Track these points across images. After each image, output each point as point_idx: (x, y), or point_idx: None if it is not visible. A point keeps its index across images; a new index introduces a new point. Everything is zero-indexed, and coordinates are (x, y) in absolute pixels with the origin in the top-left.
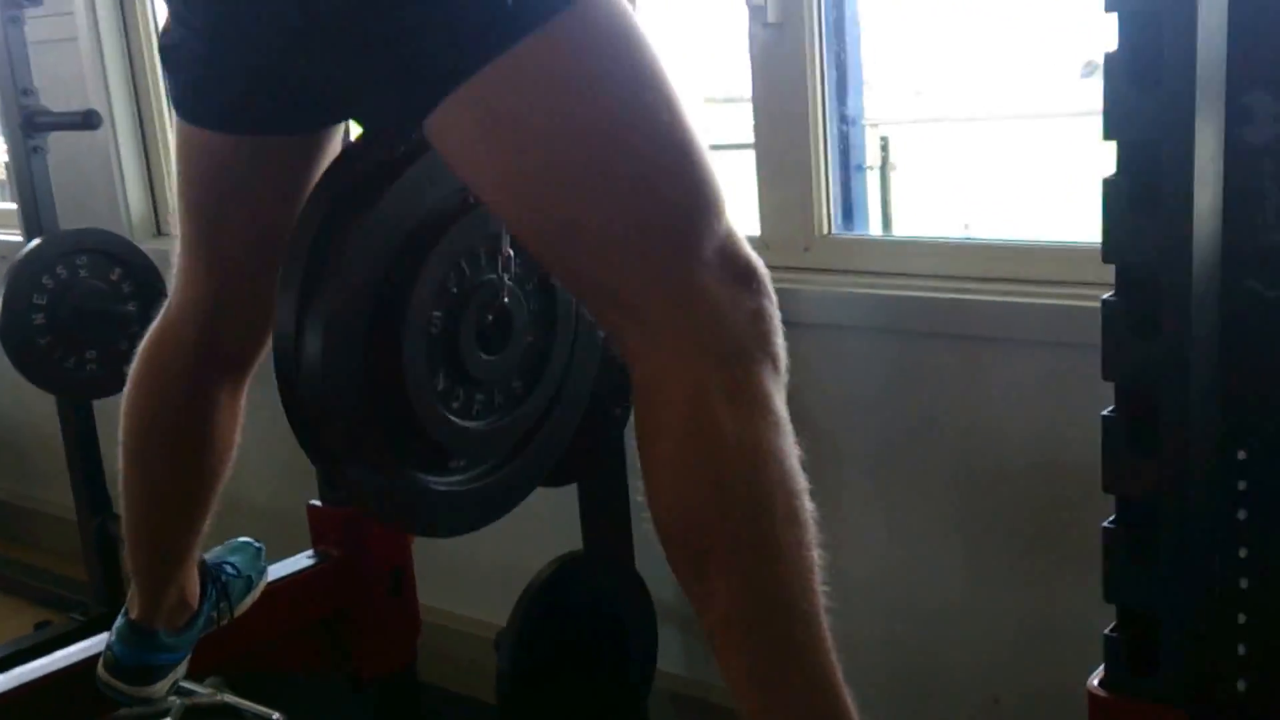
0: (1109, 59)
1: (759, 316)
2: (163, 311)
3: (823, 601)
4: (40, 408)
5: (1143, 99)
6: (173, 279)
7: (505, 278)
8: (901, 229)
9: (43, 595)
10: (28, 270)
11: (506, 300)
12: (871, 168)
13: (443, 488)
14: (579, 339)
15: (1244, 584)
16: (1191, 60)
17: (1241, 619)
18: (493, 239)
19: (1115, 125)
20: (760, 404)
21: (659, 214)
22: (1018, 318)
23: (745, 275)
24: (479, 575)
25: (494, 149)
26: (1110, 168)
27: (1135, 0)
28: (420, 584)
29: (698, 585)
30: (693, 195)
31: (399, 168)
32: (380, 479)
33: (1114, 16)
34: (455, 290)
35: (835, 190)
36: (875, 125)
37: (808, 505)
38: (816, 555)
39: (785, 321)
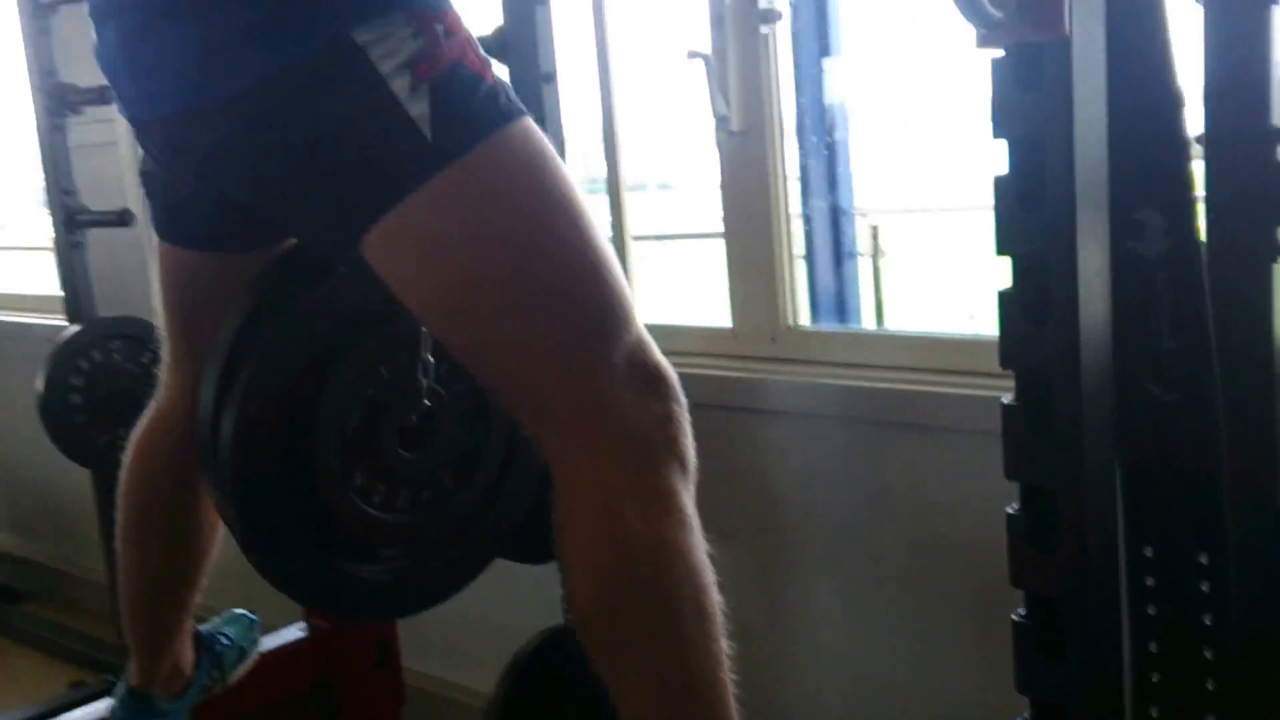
0: (998, 181)
1: (666, 420)
2: (152, 402)
3: (731, 689)
4: (76, 479)
5: (1029, 218)
6: (161, 373)
7: (424, 381)
8: (896, 318)
9: (78, 656)
10: (68, 353)
11: (426, 402)
12: (863, 255)
13: (371, 575)
14: (519, 433)
15: (1155, 678)
16: (1071, 181)
17: (1154, 712)
18: (413, 343)
19: (1006, 242)
20: (667, 503)
21: (569, 330)
22: (965, 408)
23: (653, 380)
24: (469, 641)
25: (418, 269)
26: (1005, 281)
27: (1019, 127)
28: (410, 650)
29: (612, 677)
30: (601, 311)
31: (322, 272)
32: (297, 564)
33: (1002, 142)
34: (372, 391)
35: (810, 282)
36: (865, 214)
37: (715, 598)
38: (724, 645)
39: (752, 409)
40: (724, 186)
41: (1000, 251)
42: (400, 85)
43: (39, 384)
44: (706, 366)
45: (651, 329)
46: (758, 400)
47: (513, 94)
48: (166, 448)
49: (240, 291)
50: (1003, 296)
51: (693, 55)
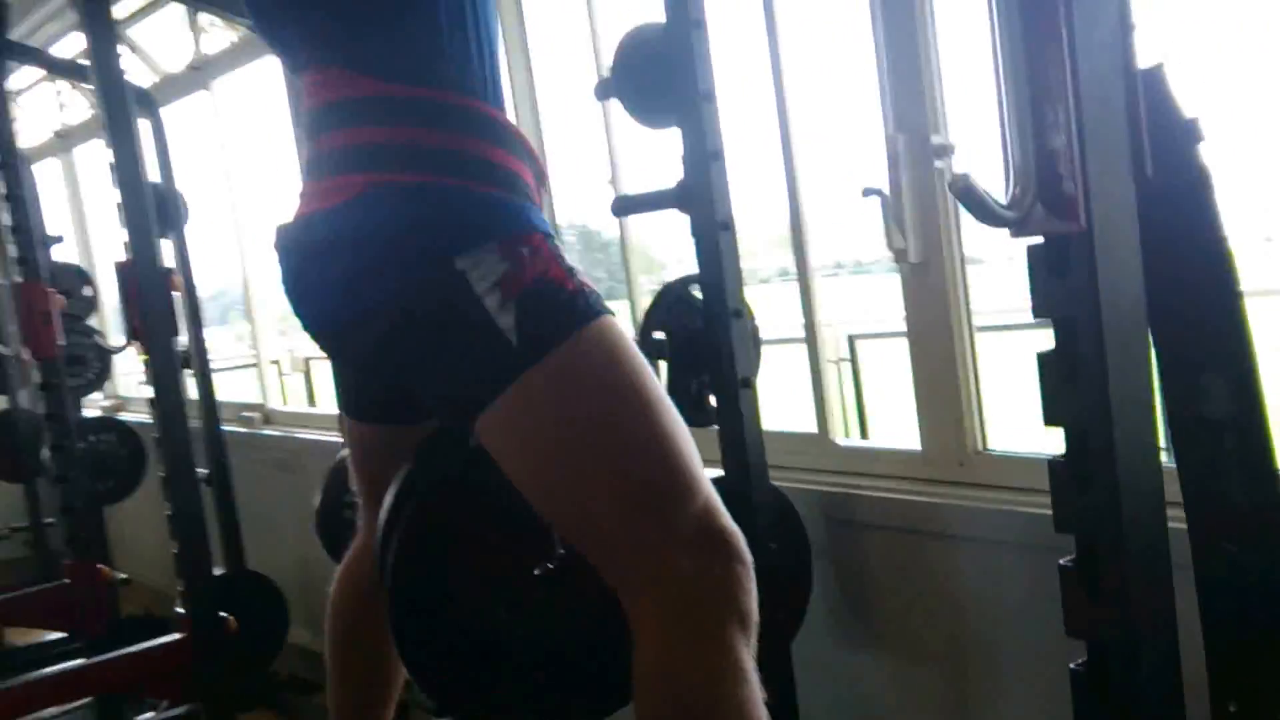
0: (1041, 357)
1: (728, 580)
2: (351, 545)
3: None
4: None
5: (1069, 389)
6: (357, 517)
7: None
8: None
9: None
10: (341, 473)
11: (561, 550)
12: None
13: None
14: None
15: None
16: (1103, 359)
17: None
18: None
19: (1052, 414)
20: (726, 659)
21: (638, 504)
22: None
23: (717, 544)
24: None
25: (512, 452)
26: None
27: (1054, 309)
28: None
29: None
30: (667, 486)
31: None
32: (442, 676)
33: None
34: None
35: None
36: None
37: None
38: None
39: (941, 534)
40: (907, 316)
41: (1048, 423)
42: (492, 301)
43: (315, 499)
44: (897, 490)
45: (846, 451)
46: (947, 525)
47: (593, 297)
48: (361, 586)
49: (405, 456)
50: (1052, 465)
51: (869, 192)
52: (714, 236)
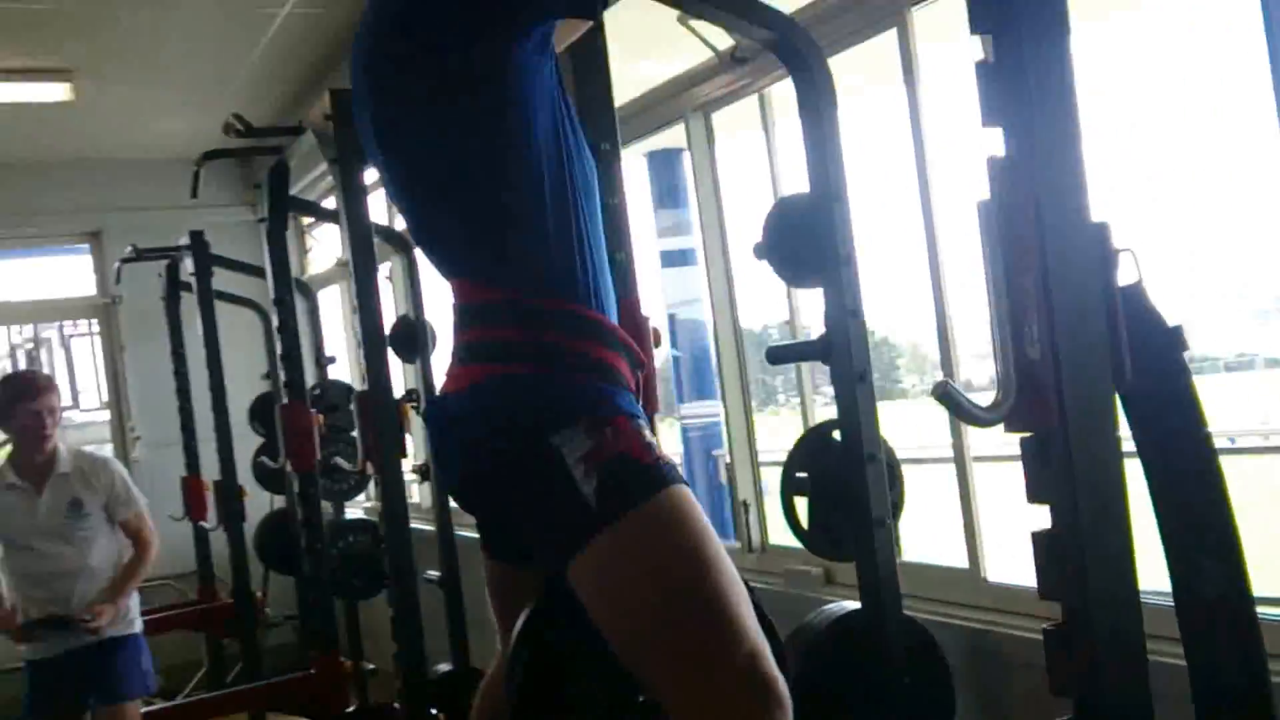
0: (1035, 533)
1: None
2: (491, 665)
3: None
4: None
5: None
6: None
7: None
8: None
9: None
10: None
11: None
12: None
13: None
14: None
15: None
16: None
17: None
18: None
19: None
20: None
21: (691, 658)
22: None
23: (761, 690)
24: None
25: (591, 601)
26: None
27: (1044, 498)
28: None
29: None
30: (718, 641)
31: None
32: None
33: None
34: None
35: None
36: None
37: None
38: None
39: None
40: None
41: (1042, 596)
42: (578, 471)
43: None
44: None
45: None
46: None
47: (668, 469)
48: (497, 699)
49: (529, 592)
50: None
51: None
52: (852, 386)
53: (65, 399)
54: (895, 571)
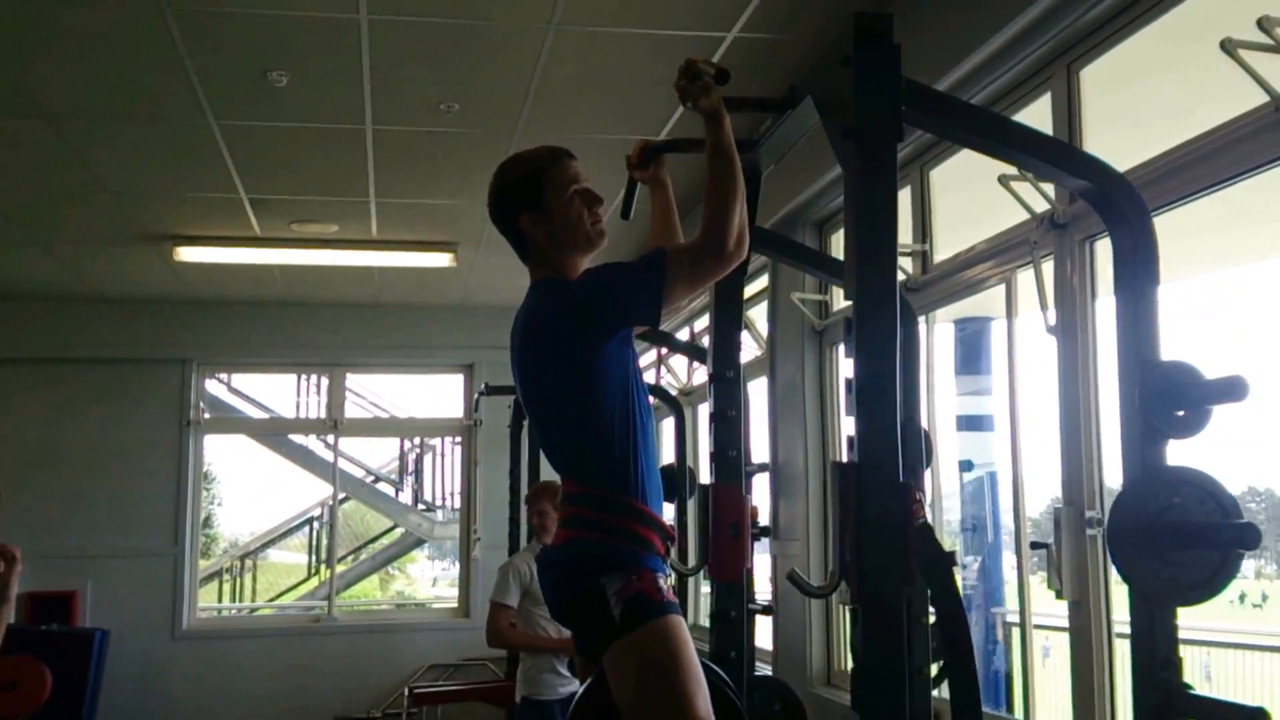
0: None
1: None
2: None
3: None
4: None
5: None
6: None
7: None
8: None
9: None
10: None
11: None
12: None
13: None
14: None
15: None
16: None
17: None
18: None
19: None
20: None
21: None
22: None
23: None
24: None
25: (611, 683)
26: None
27: None
28: None
29: None
30: (678, 714)
31: None
32: None
33: None
34: None
35: None
36: None
37: None
38: None
39: None
40: (1071, 644)
41: None
42: (613, 601)
43: None
44: None
45: None
46: None
47: (669, 604)
48: None
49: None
50: None
51: (1036, 545)
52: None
53: (437, 499)
54: (930, 709)
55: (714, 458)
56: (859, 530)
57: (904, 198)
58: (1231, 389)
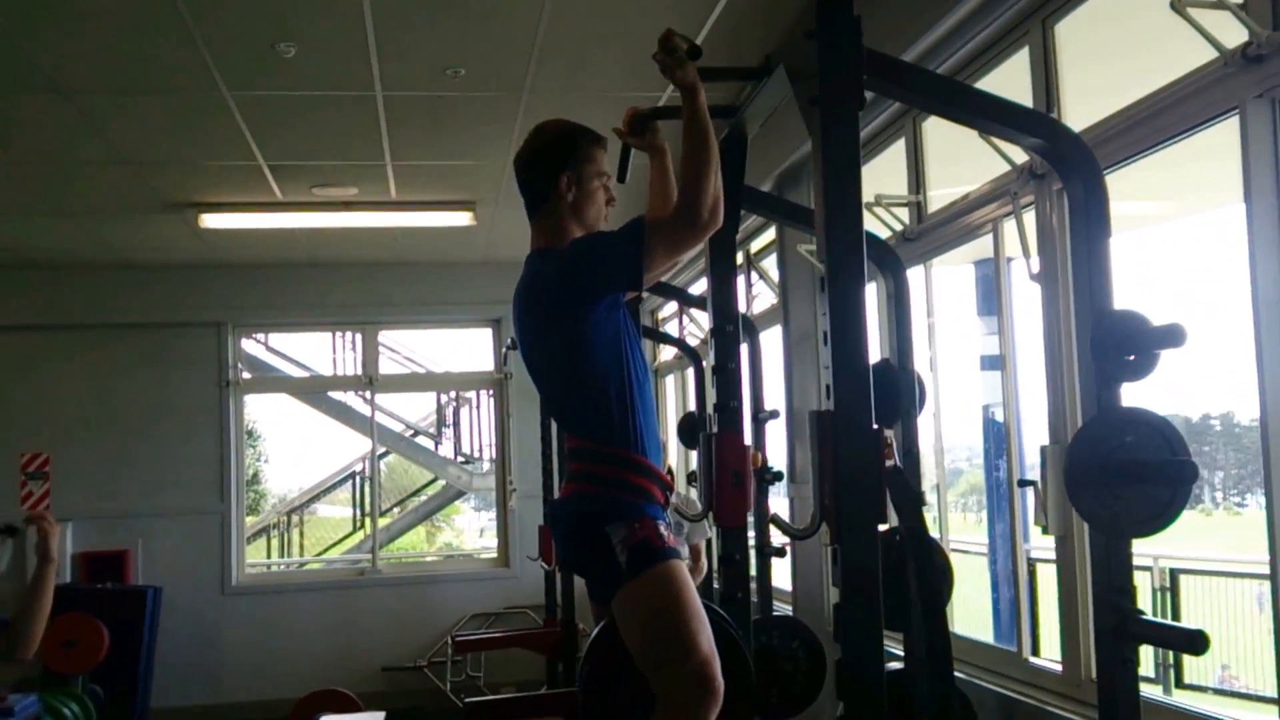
0: None
1: (704, 705)
2: None
3: None
4: None
5: None
6: None
7: None
8: None
9: None
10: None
11: None
12: None
13: None
14: None
15: None
16: None
17: None
18: None
19: None
20: None
21: (666, 660)
22: None
23: (704, 685)
24: None
25: (620, 624)
26: None
27: None
28: None
29: None
30: (684, 650)
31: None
32: None
33: None
34: None
35: None
36: None
37: None
38: None
39: None
40: (1057, 577)
41: None
42: (619, 547)
43: None
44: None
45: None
46: None
47: (669, 549)
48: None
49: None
50: None
51: (1024, 483)
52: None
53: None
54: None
55: (716, 408)
56: (835, 474)
57: (898, 150)
58: (1172, 335)
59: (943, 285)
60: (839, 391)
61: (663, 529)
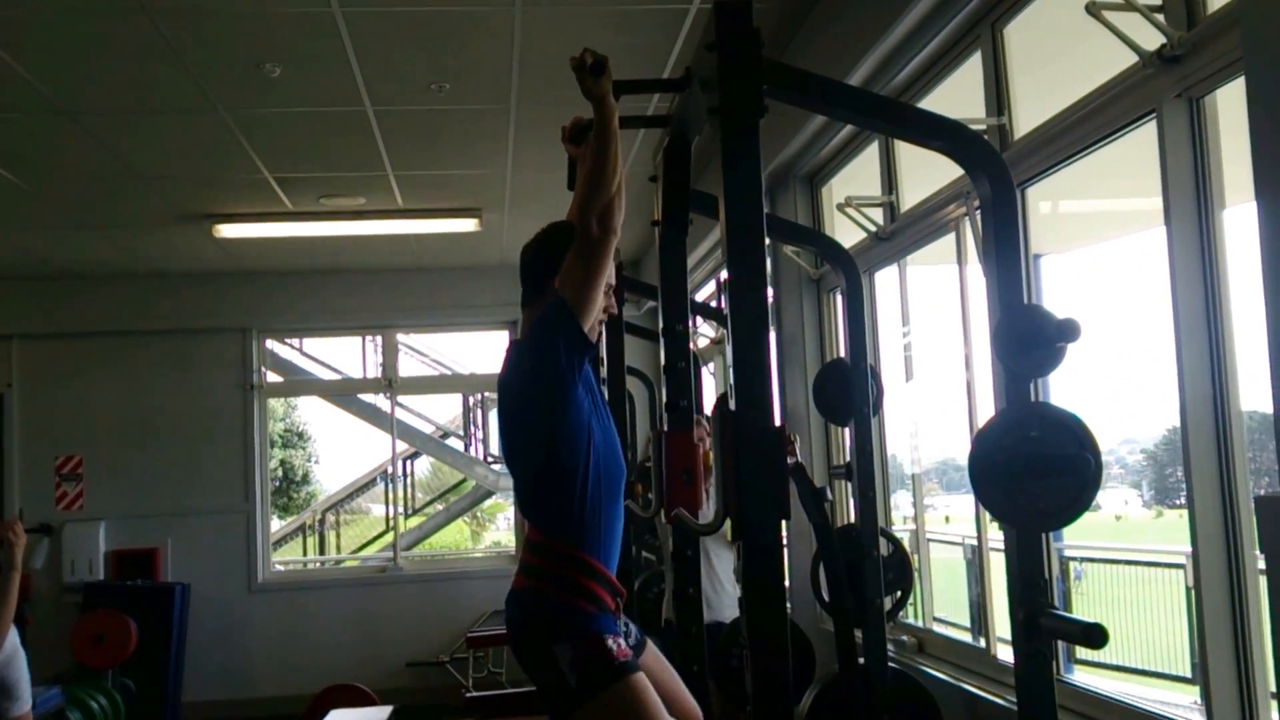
0: None
1: None
2: None
3: None
4: None
5: None
6: None
7: None
8: None
9: None
10: None
11: None
12: None
13: None
14: None
15: None
16: None
17: None
18: None
19: None
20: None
21: None
22: None
23: None
24: None
25: None
26: None
27: None
28: None
29: None
30: None
31: None
32: None
33: None
34: None
35: None
36: None
37: None
38: None
39: None
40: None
41: None
42: (568, 669)
43: None
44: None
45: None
46: None
47: (622, 664)
48: None
49: None
50: None
51: None
52: (870, 498)
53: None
54: (885, 636)
55: (666, 407)
56: (737, 472)
57: (871, 151)
58: (1069, 330)
59: (941, 286)
60: (739, 391)
61: (611, 642)
